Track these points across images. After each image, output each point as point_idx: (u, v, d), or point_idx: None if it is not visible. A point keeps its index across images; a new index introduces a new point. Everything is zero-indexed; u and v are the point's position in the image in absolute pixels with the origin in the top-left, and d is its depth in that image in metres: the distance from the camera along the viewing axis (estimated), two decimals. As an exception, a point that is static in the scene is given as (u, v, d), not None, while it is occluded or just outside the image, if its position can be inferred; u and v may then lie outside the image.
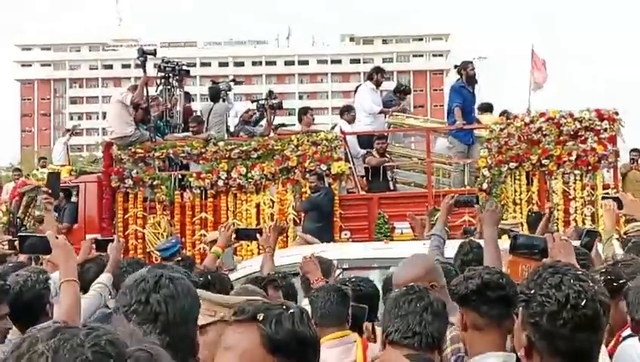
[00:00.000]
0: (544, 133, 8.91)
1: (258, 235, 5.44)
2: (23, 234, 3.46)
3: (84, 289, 3.66)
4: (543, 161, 8.80)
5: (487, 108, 10.98)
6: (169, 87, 10.29)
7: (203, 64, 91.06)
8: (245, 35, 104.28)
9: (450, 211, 5.16)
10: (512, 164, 8.87)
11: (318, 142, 9.24)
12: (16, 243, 3.80)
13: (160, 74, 10.29)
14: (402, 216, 8.46)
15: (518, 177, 8.93)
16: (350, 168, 9.36)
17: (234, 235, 5.62)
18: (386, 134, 10.13)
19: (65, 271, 2.81)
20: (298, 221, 9.04)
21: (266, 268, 4.95)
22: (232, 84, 11.70)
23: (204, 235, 9.14)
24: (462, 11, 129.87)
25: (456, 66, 10.06)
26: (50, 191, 5.43)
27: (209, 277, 3.72)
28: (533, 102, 11.43)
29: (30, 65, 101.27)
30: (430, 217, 8.83)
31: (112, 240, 4.53)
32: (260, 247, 6.28)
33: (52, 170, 9.94)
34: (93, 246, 4.88)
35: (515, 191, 8.91)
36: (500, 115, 10.15)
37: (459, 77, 9.98)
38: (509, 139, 8.92)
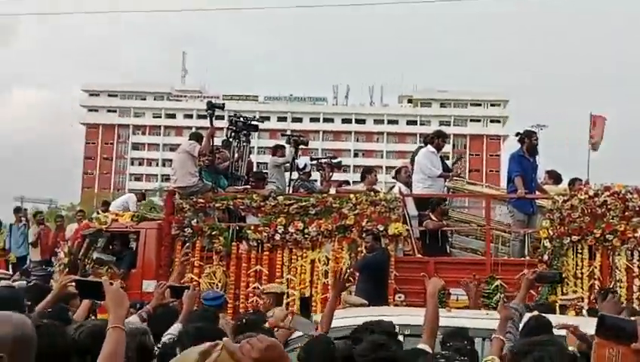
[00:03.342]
0: (609, 207, 8.72)
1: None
2: (80, 279, 3.53)
3: (156, 336, 3.68)
4: (607, 236, 8.59)
5: (556, 178, 10.81)
6: (237, 140, 10.55)
7: (262, 118, 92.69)
8: (305, 92, 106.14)
9: (532, 286, 4.95)
10: (575, 237, 8.68)
11: (376, 202, 9.25)
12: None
13: (231, 127, 10.58)
14: (458, 282, 8.31)
15: (580, 251, 8.72)
16: (407, 230, 9.31)
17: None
18: (445, 198, 10.08)
19: (113, 318, 2.81)
20: (352, 280, 8.99)
21: (324, 325, 4.86)
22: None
23: (258, 288, 9.18)
24: (521, 76, 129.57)
25: (518, 134, 9.98)
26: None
27: None
28: (593, 172, 11.18)
29: (97, 111, 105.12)
30: (487, 285, 8.70)
31: (188, 288, 4.54)
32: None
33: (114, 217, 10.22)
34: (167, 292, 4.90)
35: (577, 264, 8.70)
36: (569, 184, 10.00)
37: (520, 145, 9.89)
38: (573, 211, 8.76)
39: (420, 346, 3.90)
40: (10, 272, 12.02)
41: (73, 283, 4.03)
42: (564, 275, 8.26)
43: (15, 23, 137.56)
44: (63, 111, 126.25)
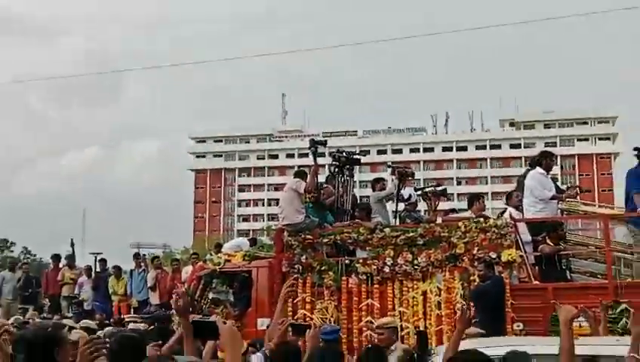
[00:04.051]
0: None
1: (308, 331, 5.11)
2: (196, 320, 3.65)
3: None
4: None
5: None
6: (341, 175, 10.66)
7: (362, 152, 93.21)
8: (403, 123, 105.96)
9: None
10: None
11: (487, 229, 9.02)
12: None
13: (334, 162, 10.71)
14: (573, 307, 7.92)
15: None
16: (521, 256, 9.00)
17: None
18: (562, 221, 9.68)
19: (231, 357, 2.88)
20: (466, 308, 8.74)
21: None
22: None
23: (371, 322, 9.11)
24: (628, 89, 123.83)
25: (636, 149, 9.49)
26: None
27: None
28: None
29: (204, 156, 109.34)
30: (612, 310, 8.21)
31: (309, 327, 4.56)
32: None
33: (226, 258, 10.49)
34: (289, 330, 4.93)
35: None
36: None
37: (638, 161, 9.40)
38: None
39: None
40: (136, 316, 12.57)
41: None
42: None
43: (122, 78, 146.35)
44: (172, 159, 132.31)
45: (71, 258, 16.09)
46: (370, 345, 8.36)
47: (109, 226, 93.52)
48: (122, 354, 3.73)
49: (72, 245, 16.84)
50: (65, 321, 9.60)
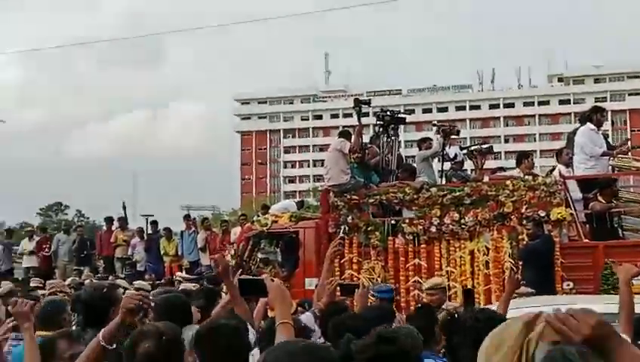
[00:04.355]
0: None
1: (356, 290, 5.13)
2: (242, 278, 3.67)
3: (326, 334, 3.74)
4: None
5: None
6: (385, 134, 10.59)
7: (407, 111, 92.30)
8: (448, 81, 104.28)
9: None
10: None
11: (535, 187, 8.89)
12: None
13: (378, 122, 10.63)
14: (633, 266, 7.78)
15: None
16: (571, 214, 8.85)
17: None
18: (614, 178, 9.46)
19: (280, 313, 2.83)
20: (515, 270, 8.70)
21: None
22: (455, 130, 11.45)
23: (419, 281, 9.14)
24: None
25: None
26: None
27: None
28: None
29: (249, 118, 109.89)
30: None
31: (357, 286, 4.60)
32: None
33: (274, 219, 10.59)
34: (338, 290, 4.97)
35: None
36: None
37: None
38: None
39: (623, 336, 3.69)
40: (188, 275, 12.88)
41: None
42: None
43: (166, 40, 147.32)
44: (218, 121, 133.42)
45: (123, 220, 16.45)
46: (420, 305, 8.40)
47: (159, 189, 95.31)
48: (167, 313, 3.83)
49: (124, 208, 17.13)
50: (119, 281, 9.89)
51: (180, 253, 15.00)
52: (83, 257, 15.87)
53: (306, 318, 4.16)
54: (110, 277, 12.73)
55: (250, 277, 4.16)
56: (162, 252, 15.09)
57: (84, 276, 13.13)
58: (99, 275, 14.04)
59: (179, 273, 13.68)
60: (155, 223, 16.77)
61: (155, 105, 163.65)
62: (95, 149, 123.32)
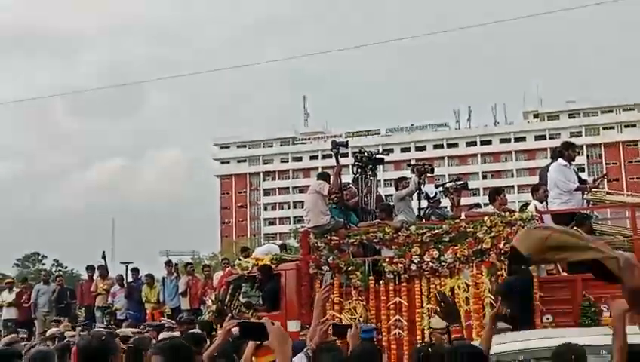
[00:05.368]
0: None
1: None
2: (244, 322, 3.71)
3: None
4: None
5: None
6: (364, 175, 10.72)
7: (385, 150, 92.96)
8: (426, 119, 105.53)
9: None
10: None
11: (512, 223, 9.02)
12: (237, 329, 4.06)
13: (357, 163, 10.77)
14: (611, 298, 7.90)
15: None
16: (548, 249, 8.96)
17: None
18: (589, 212, 9.64)
19: (281, 357, 2.90)
20: (494, 305, 8.76)
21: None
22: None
23: (399, 320, 9.18)
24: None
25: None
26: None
27: None
28: None
29: (228, 163, 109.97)
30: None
31: (350, 327, 4.64)
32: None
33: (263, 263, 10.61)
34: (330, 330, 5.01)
35: None
36: None
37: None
38: None
39: None
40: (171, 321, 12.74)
41: (237, 327, 4.24)
42: None
43: (144, 88, 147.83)
44: (197, 166, 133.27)
45: (103, 268, 16.31)
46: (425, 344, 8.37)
47: (138, 235, 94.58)
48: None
49: (104, 256, 17.00)
50: (123, 330, 9.86)
51: (161, 300, 14.87)
52: (62, 307, 15.67)
53: (299, 359, 4.19)
54: (96, 325, 12.59)
55: (252, 321, 4.17)
56: (144, 299, 14.95)
57: (62, 326, 12.94)
58: (78, 325, 13.84)
59: (163, 319, 13.54)
60: (136, 270, 16.63)
61: (134, 153, 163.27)
62: (71, 199, 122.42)
